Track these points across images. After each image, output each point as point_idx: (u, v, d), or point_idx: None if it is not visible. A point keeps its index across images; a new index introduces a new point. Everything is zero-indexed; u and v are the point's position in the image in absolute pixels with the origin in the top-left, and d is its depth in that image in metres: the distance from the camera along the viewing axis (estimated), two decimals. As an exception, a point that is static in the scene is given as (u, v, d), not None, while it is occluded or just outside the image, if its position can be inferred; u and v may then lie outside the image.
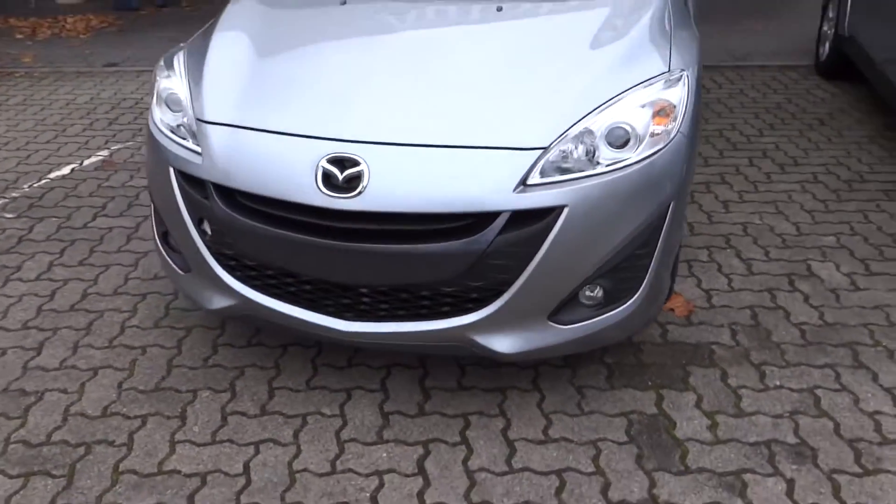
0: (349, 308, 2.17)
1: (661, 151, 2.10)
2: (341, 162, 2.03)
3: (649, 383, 2.44)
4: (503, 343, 2.12)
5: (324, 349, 2.60)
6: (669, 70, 2.24)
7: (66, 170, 4.11)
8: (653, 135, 2.09)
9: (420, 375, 2.48)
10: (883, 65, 4.27)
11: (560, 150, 2.03)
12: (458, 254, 1.99)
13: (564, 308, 2.13)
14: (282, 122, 2.15)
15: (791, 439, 2.20)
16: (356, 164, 2.02)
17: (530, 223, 2.00)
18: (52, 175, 4.04)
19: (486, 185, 1.99)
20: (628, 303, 2.19)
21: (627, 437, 2.22)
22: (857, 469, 2.09)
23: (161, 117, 2.40)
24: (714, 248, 3.23)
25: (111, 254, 3.24)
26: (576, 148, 2.05)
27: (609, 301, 2.17)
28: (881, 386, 2.41)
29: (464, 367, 2.52)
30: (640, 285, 2.19)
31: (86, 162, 4.20)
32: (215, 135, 2.20)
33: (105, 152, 4.34)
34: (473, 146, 2.03)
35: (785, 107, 4.96)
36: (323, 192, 2.02)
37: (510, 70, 2.22)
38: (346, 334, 2.17)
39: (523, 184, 1.99)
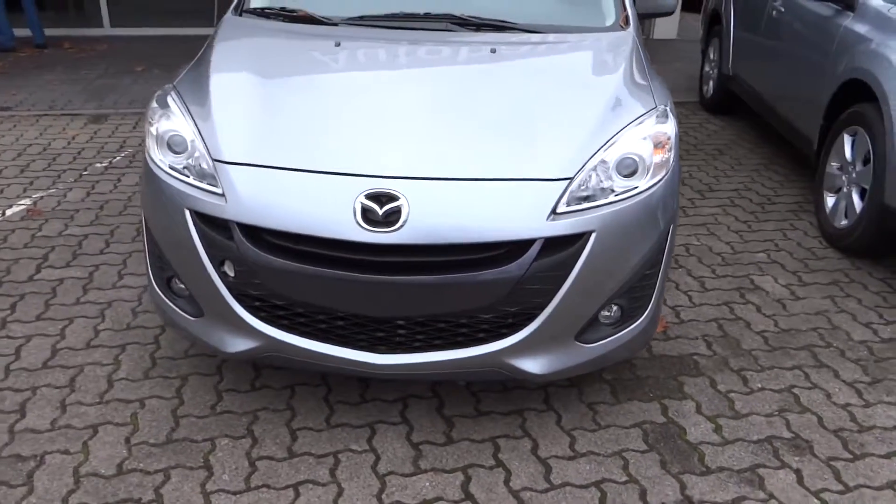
0: (383, 341, 2.19)
1: (664, 178, 2.31)
2: (378, 198, 2.08)
3: (651, 395, 2.61)
4: (536, 364, 2.22)
5: (334, 386, 2.59)
6: (656, 106, 2.47)
7: (-13, 221, 3.81)
8: (656, 164, 2.29)
9: (436, 405, 2.52)
10: (772, 100, 4.80)
11: (580, 181, 2.18)
12: (497, 281, 2.08)
13: (588, 328, 2.27)
14: (312, 161, 2.16)
15: (786, 434, 2.43)
16: (395, 198, 2.07)
17: (562, 249, 2.12)
18: (-27, 227, 3.73)
19: (520, 214, 2.10)
20: (640, 319, 2.35)
21: (647, 446, 2.37)
22: (847, 455, 2.35)
23: (163, 159, 2.33)
24: (667, 268, 3.50)
25: (70, 306, 3.05)
26: (593, 178, 2.20)
27: (624, 319, 2.33)
28: (844, 381, 2.72)
29: (476, 393, 2.58)
30: (650, 303, 2.36)
31: (8, 212, 3.91)
32: (239, 175, 2.17)
33: (27, 201, 4.06)
34: (506, 178, 2.14)
35: (685, 139, 5.44)
36: (363, 228, 2.05)
37: (521, 107, 2.36)
38: (381, 367, 2.19)
39: (554, 212, 2.12)
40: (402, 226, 2.06)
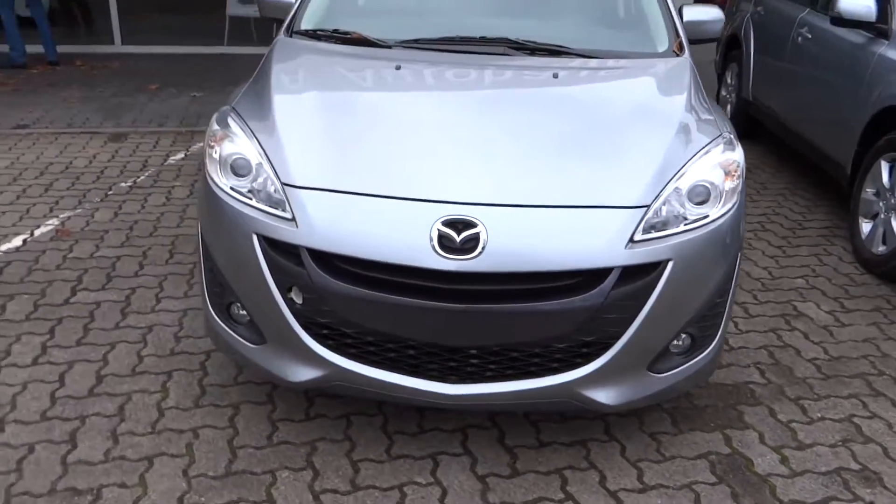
0: (454, 371, 2.15)
1: (735, 206, 2.28)
2: (455, 224, 2.04)
3: (712, 425, 2.57)
4: (608, 395, 2.18)
5: (390, 416, 2.53)
6: (721, 133, 2.45)
7: (16, 241, 3.74)
8: (727, 191, 2.27)
9: (497, 435, 2.47)
10: (798, 126, 4.81)
11: (656, 209, 2.15)
12: (575, 310, 2.04)
13: (660, 357, 2.23)
14: (387, 187, 2.12)
15: (854, 465, 2.40)
16: (472, 225, 2.03)
17: (639, 277, 2.09)
18: (3, 248, 3.66)
19: (598, 242, 2.07)
20: (709, 349, 2.32)
21: (716, 478, 2.32)
22: (918, 487, 2.32)
23: (225, 182, 2.29)
24: (710, 294, 3.47)
25: (110, 331, 2.98)
26: (667, 206, 2.17)
27: (694, 348, 2.29)
28: (903, 410, 2.69)
29: (535, 422, 2.53)
30: (718, 332, 2.33)
31: (36, 232, 3.84)
32: (311, 200, 2.13)
33: (55, 221, 3.99)
34: (583, 206, 2.11)
35: (709, 163, 5.43)
36: (440, 255, 2.01)
37: (590, 134, 2.33)
38: (452, 398, 2.14)
39: (631, 240, 2.09)
40: (480, 253, 2.02)
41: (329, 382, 2.21)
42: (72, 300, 3.20)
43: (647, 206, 2.13)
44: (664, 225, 2.15)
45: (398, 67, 2.65)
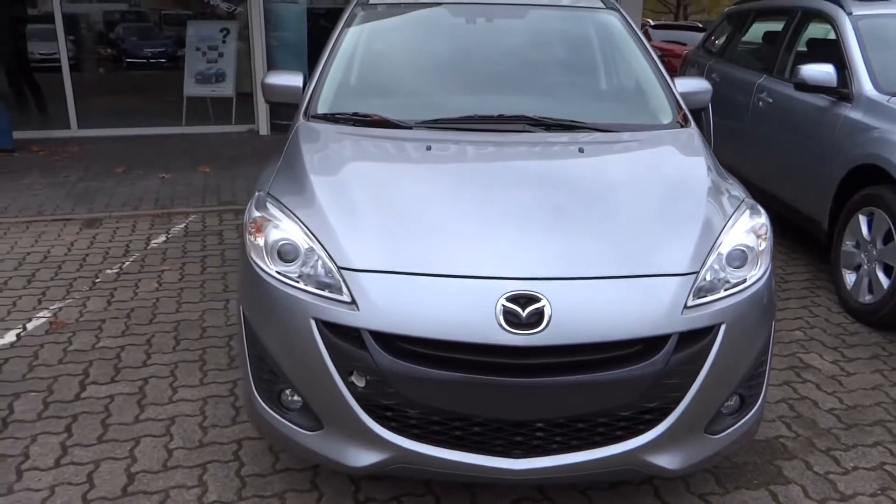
0: (519, 445, 2.14)
1: (769, 267, 2.39)
2: (518, 300, 2.07)
3: (755, 482, 2.62)
4: (672, 460, 2.20)
5: (441, 494, 2.49)
6: (744, 199, 2.58)
7: (9, 337, 3.58)
8: (761, 253, 2.38)
9: (552, 507, 2.46)
10: (765, 185, 5.06)
11: (702, 275, 2.23)
12: (639, 377, 2.08)
13: (714, 419, 2.28)
14: (447, 266, 2.14)
15: (898, 513, 2.47)
16: (536, 300, 2.07)
17: (696, 342, 2.15)
18: (-4, 343, 3.51)
19: (658, 309, 2.13)
20: (755, 407, 2.38)
21: (774, 535, 2.36)
22: (963, 529, 2.40)
23: (273, 267, 2.27)
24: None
25: (131, 425, 2.87)
26: (711, 272, 2.26)
27: (743, 408, 2.35)
28: (927, 454, 2.80)
29: (585, 492, 2.53)
30: (762, 391, 2.40)
31: (29, 326, 3.70)
32: (372, 282, 2.13)
33: (45, 313, 3.85)
34: (638, 275, 2.18)
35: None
36: (506, 331, 2.04)
37: (628, 205, 2.42)
38: (518, 473, 2.13)
39: (685, 306, 2.16)
40: (545, 327, 2.05)
41: (393, 465, 2.17)
42: (83, 395, 3.07)
43: (697, 273, 2.22)
44: (710, 290, 2.23)
45: (429, 148, 2.71)
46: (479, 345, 2.05)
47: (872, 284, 3.87)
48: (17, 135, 7.74)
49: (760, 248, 2.38)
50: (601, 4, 3.65)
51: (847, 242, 4.11)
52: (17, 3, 9.25)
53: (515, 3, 3.60)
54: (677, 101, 3.17)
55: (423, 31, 3.48)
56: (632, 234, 2.29)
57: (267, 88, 3.35)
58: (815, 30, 5.04)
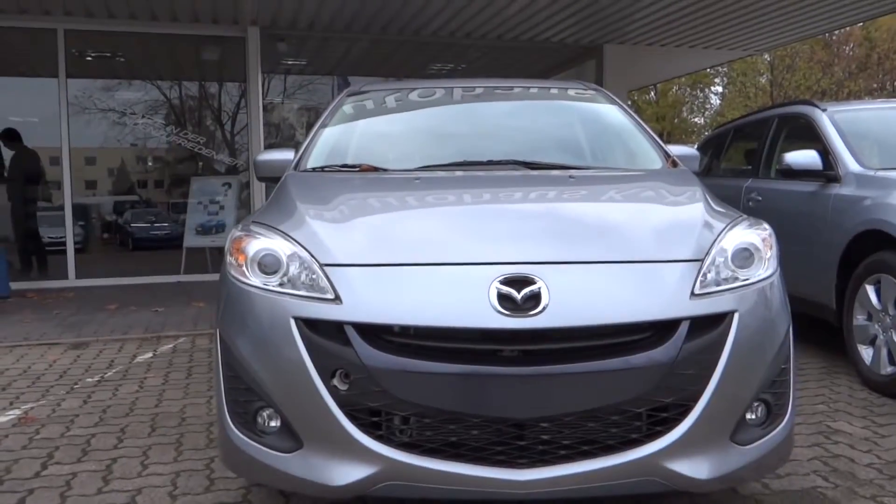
0: (524, 452, 1.90)
1: (778, 272, 2.26)
2: (514, 283, 1.93)
3: (797, 525, 2.30)
4: (698, 468, 1.95)
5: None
6: (741, 215, 2.49)
7: (-28, 430, 3.32)
8: (767, 258, 2.25)
9: (567, 552, 2.13)
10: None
11: (708, 265, 2.10)
12: (649, 366, 1.90)
13: (739, 427, 2.04)
14: (437, 255, 2.03)
15: (966, 547, 2.14)
16: (532, 282, 1.93)
17: (709, 330, 1.99)
18: (-43, 436, 3.24)
19: (663, 294, 1.99)
20: (784, 420, 2.16)
21: (826, 570, 2.02)
22: None
23: (254, 280, 2.14)
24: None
25: (91, 496, 2.57)
26: (716, 267, 2.13)
27: (771, 419, 2.12)
28: (985, 497, 2.48)
29: (604, 538, 2.22)
30: (789, 402, 2.18)
31: (-5, 421, 3.45)
32: (357, 276, 2.00)
33: (16, 411, 3.60)
34: (640, 260, 2.06)
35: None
36: (501, 313, 1.88)
37: (627, 205, 2.36)
38: (523, 485, 1.87)
39: (693, 293, 2.01)
40: (542, 310, 1.89)
41: (380, 482, 1.91)
42: (43, 473, 2.79)
43: (701, 261, 2.09)
44: (718, 283, 2.09)
45: (417, 179, 2.67)
46: (472, 330, 1.89)
47: (892, 354, 3.67)
48: (14, 286, 7.73)
49: (767, 255, 2.27)
50: (584, 86, 3.77)
51: (858, 317, 3.95)
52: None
53: (502, 86, 3.73)
54: (665, 153, 3.17)
55: (411, 106, 3.57)
56: (631, 227, 2.20)
57: (259, 165, 3.36)
58: (793, 132, 5.20)
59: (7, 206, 8.85)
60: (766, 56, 26.40)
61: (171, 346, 5.15)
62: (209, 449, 3.01)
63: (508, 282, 1.93)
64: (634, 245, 2.11)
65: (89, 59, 9.28)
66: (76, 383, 4.14)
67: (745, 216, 2.46)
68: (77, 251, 8.56)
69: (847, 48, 28.32)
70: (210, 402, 3.67)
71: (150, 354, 4.86)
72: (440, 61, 10.68)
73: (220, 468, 2.73)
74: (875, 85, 27.33)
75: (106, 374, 4.36)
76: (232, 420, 2.11)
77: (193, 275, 8.82)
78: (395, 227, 2.19)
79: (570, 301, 1.92)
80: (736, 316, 2.02)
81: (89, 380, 4.22)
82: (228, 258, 2.27)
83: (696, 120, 33.17)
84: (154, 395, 3.84)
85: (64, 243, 8.44)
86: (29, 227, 9.19)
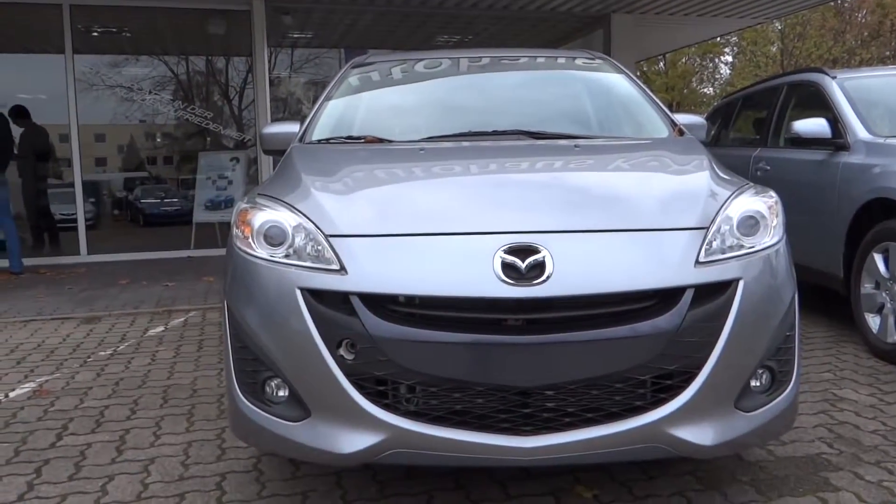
0: (528, 420, 1.92)
1: (784, 239, 2.26)
2: (518, 252, 1.94)
3: (801, 490, 2.32)
4: (702, 435, 1.97)
5: (472, 490, 2.21)
6: (747, 183, 2.48)
7: (-12, 402, 3.38)
8: (773, 226, 2.24)
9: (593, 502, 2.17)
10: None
11: (713, 233, 2.10)
12: (654, 334, 1.91)
13: (744, 394, 2.06)
14: (442, 225, 2.04)
15: (968, 511, 2.16)
16: (536, 251, 1.94)
17: (714, 297, 1.99)
18: (-27, 409, 3.30)
19: (668, 261, 1.99)
20: (788, 387, 2.16)
21: (829, 534, 2.05)
22: None
23: (260, 252, 2.15)
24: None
25: (105, 466, 2.62)
26: (721, 235, 2.13)
27: (776, 386, 2.13)
28: None
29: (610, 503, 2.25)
30: (794, 369, 2.19)
31: (11, 394, 3.50)
32: (362, 246, 2.01)
33: (31, 384, 3.66)
34: (643, 229, 2.06)
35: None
36: (506, 283, 1.89)
37: (631, 173, 2.36)
38: (529, 452, 1.89)
39: (697, 261, 2.01)
40: (547, 279, 1.90)
41: (387, 450, 1.94)
42: (58, 444, 2.84)
43: (706, 229, 2.09)
44: (723, 251, 2.09)
45: (422, 150, 2.67)
46: (477, 299, 1.90)
47: (900, 321, 3.66)
48: (27, 262, 7.80)
49: (773, 223, 2.26)
50: (591, 55, 3.74)
51: (866, 285, 3.94)
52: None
53: (508, 56, 3.70)
54: (672, 122, 3.15)
55: (416, 78, 3.55)
56: (635, 196, 2.20)
57: (265, 138, 3.35)
58: (802, 100, 5.14)
59: (18, 184, 8.91)
60: (777, 24, 26.04)
61: (181, 319, 5.20)
62: (220, 420, 3.06)
63: (513, 251, 1.94)
64: (639, 213, 2.11)
65: (95, 34, 9.26)
66: (89, 356, 4.20)
67: (750, 184, 2.44)
68: (88, 227, 8.61)
69: (859, 15, 27.81)
70: (220, 375, 3.72)
71: (161, 328, 4.91)
72: (446, 33, 10.60)
73: (231, 438, 2.78)
74: (888, 52, 26.85)
75: (118, 347, 4.42)
76: (241, 390, 2.14)
77: (203, 250, 8.86)
78: (399, 197, 2.20)
79: (574, 270, 1.93)
80: (741, 283, 2.02)
81: (102, 353, 4.28)
82: (234, 230, 2.28)
83: (706, 90, 32.85)
84: (166, 368, 3.89)
85: (75, 220, 8.49)
86: (40, 203, 9.26)
